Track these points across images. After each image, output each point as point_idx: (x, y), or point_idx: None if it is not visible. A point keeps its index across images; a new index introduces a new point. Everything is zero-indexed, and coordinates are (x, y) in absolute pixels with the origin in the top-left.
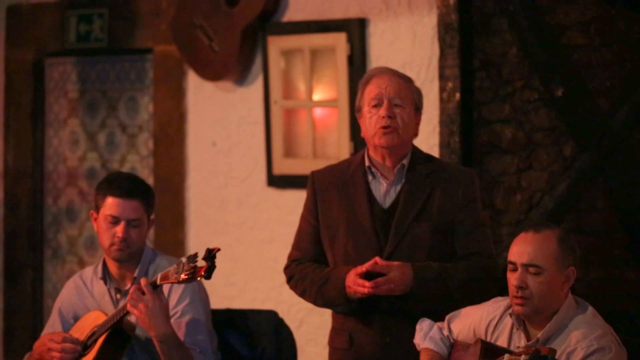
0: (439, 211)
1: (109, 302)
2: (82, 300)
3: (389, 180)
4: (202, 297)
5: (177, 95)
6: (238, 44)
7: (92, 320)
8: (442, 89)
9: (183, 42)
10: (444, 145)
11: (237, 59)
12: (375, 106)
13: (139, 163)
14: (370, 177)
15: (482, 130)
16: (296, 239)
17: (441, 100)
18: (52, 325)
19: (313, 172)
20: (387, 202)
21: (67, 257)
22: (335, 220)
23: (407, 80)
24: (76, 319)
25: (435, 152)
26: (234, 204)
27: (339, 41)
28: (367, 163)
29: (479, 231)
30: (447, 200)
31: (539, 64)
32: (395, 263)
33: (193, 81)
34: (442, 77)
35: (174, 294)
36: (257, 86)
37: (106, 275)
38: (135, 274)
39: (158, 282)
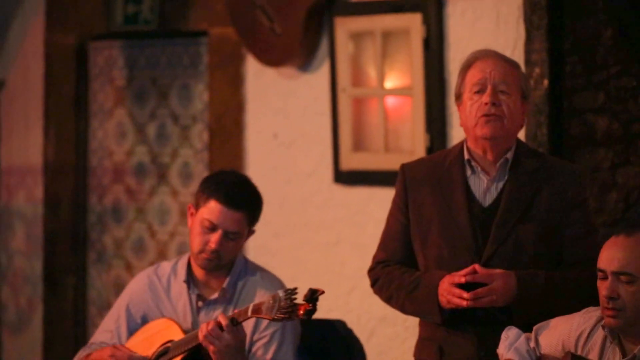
0: (546, 212)
1: (187, 308)
2: (156, 301)
3: (491, 176)
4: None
5: (235, 82)
6: (302, 26)
7: (162, 329)
8: (528, 75)
9: (241, 24)
10: (530, 137)
11: (301, 42)
12: (477, 92)
13: (193, 157)
14: (469, 172)
15: (573, 121)
16: (383, 239)
17: None
18: (117, 320)
19: (403, 165)
20: (487, 201)
21: (112, 261)
22: (428, 219)
23: (514, 65)
24: (144, 320)
25: None
26: (297, 203)
27: (413, 22)
28: (466, 156)
29: (591, 237)
30: (556, 201)
31: (638, 47)
32: (497, 271)
33: (252, 67)
34: (529, 62)
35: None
36: (323, 72)
37: (189, 279)
38: (225, 285)
39: (249, 314)
